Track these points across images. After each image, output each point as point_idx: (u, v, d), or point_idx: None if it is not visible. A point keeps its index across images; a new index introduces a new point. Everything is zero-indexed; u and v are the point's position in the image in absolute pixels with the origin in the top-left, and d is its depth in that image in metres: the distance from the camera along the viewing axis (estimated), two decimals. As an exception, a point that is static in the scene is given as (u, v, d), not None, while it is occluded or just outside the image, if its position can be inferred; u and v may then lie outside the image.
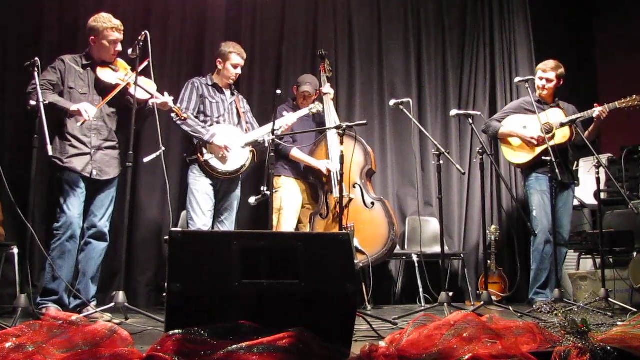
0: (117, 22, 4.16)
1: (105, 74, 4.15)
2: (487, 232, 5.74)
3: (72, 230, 3.99)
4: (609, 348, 2.35)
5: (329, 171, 5.14)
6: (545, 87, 5.21)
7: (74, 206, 4.01)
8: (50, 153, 3.60)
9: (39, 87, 3.62)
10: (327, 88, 5.43)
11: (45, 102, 3.57)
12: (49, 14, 5.32)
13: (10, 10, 5.19)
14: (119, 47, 4.19)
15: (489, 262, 5.80)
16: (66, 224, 3.98)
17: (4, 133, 4.98)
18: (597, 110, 4.96)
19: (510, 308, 4.30)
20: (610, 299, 4.60)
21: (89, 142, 4.10)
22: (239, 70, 4.86)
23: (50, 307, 3.87)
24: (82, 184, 4.06)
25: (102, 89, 4.15)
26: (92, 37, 4.17)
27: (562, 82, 5.24)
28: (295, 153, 5.20)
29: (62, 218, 4.00)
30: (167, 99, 4.24)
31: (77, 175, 4.04)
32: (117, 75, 4.18)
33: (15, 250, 4.68)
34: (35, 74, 3.64)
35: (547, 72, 5.22)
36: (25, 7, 5.24)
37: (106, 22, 4.13)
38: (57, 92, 4.06)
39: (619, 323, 3.41)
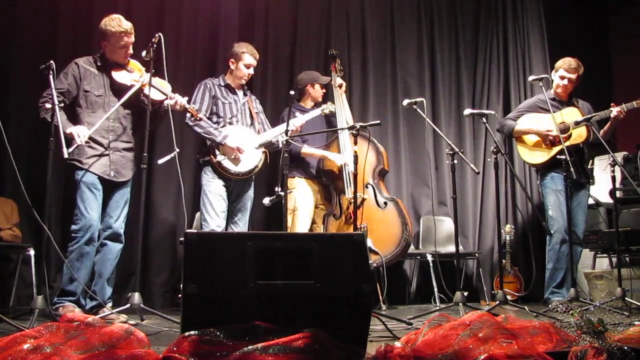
0: (127, 26, 4.14)
1: (120, 76, 4.18)
2: (502, 231, 5.72)
3: (90, 233, 4.00)
4: (626, 348, 2.33)
5: (342, 166, 5.13)
6: (567, 87, 5.18)
7: (92, 209, 4.02)
8: (66, 155, 3.64)
9: (54, 90, 3.65)
10: (339, 80, 5.45)
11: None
12: (64, 16, 5.35)
13: (25, 13, 5.23)
14: (130, 50, 4.21)
15: (504, 261, 5.78)
16: (85, 226, 3.99)
17: (20, 135, 5.02)
18: (614, 111, 4.91)
19: (526, 308, 4.28)
20: (626, 298, 4.57)
21: (106, 143, 4.13)
22: (251, 71, 4.88)
23: (67, 304, 3.91)
24: (99, 186, 4.08)
25: (118, 90, 4.17)
26: (103, 42, 4.20)
27: (580, 81, 5.22)
28: (306, 149, 5.17)
29: (80, 221, 4.00)
30: (181, 99, 4.26)
31: (95, 177, 4.06)
32: (132, 76, 4.20)
33: (32, 252, 4.75)
34: (51, 77, 3.67)
35: (571, 72, 5.15)
36: (40, 11, 5.28)
37: (115, 26, 4.11)
38: (69, 99, 4.09)
39: (636, 322, 3.39)
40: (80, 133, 3.92)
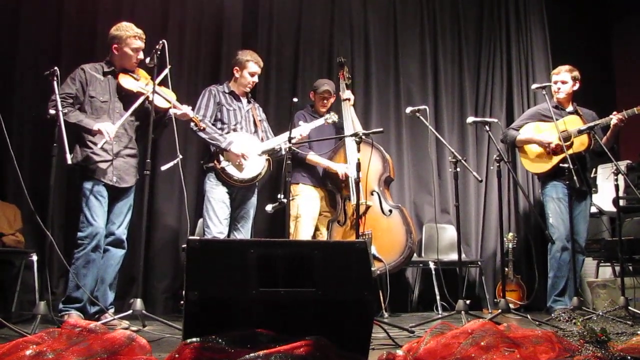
0: (139, 31, 4.20)
1: (127, 82, 4.18)
2: (505, 239, 5.71)
3: (97, 240, 3.99)
4: (629, 358, 2.32)
5: (345, 176, 5.14)
6: (561, 89, 5.18)
7: (98, 216, 4.01)
8: (69, 162, 3.64)
9: (58, 97, 3.66)
10: (347, 94, 5.43)
11: (66, 115, 3.62)
12: (67, 23, 5.37)
13: (29, 19, 5.25)
14: (141, 55, 4.23)
15: (506, 269, 5.76)
16: (92, 234, 3.98)
17: (23, 141, 5.03)
18: (614, 118, 4.91)
19: (528, 316, 4.27)
20: (629, 308, 4.55)
21: (110, 149, 4.12)
22: (255, 79, 4.88)
23: (72, 314, 3.90)
24: (105, 193, 4.07)
25: (124, 96, 4.18)
26: (115, 45, 4.19)
27: (578, 85, 5.21)
28: (312, 157, 5.19)
29: (87, 228, 3.99)
30: (186, 109, 4.27)
31: (101, 184, 4.05)
32: (139, 83, 4.20)
33: (35, 258, 4.75)
34: (55, 83, 3.69)
35: (560, 73, 5.21)
36: (44, 16, 5.30)
37: (129, 30, 4.17)
38: (77, 104, 4.09)
39: (639, 332, 3.38)
40: (108, 129, 3.94)
